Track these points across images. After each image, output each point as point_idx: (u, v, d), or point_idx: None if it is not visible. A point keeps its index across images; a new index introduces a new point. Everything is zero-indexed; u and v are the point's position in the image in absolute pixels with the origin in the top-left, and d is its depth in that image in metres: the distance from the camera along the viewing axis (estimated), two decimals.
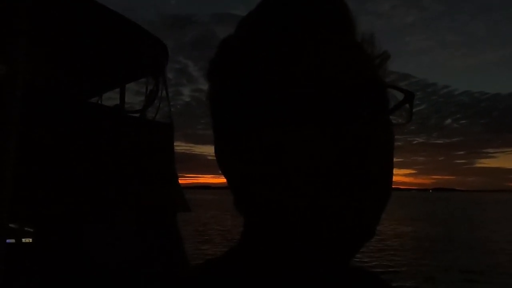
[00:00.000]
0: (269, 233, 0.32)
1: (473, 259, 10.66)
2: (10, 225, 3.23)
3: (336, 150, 0.29)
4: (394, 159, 0.33)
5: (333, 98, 0.29)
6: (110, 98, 4.84)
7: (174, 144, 3.85)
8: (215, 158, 0.37)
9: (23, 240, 3.19)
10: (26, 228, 3.25)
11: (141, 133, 3.52)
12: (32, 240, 3.16)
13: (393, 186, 0.34)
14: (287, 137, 0.30)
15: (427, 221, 24.27)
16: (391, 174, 0.32)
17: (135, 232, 3.09)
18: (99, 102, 4.69)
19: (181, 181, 4.12)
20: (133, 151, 3.33)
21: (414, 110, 0.34)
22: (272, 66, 0.31)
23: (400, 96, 0.34)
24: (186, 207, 3.62)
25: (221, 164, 0.36)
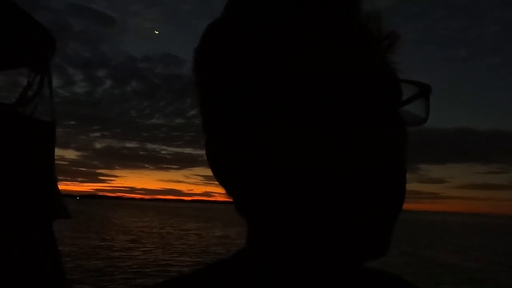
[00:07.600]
0: (273, 236, 0.30)
1: None
2: None
3: (343, 151, 0.26)
4: None
5: (335, 94, 0.27)
6: None
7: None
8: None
9: None
10: None
11: (13, 129, 3.11)
12: None
13: None
14: (285, 137, 0.27)
15: None
16: (405, 178, 0.29)
17: (4, 241, 2.70)
18: None
19: None
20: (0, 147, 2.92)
21: None
22: (267, 59, 0.28)
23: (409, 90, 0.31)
24: (66, 213, 3.32)
25: (214, 165, 0.33)
